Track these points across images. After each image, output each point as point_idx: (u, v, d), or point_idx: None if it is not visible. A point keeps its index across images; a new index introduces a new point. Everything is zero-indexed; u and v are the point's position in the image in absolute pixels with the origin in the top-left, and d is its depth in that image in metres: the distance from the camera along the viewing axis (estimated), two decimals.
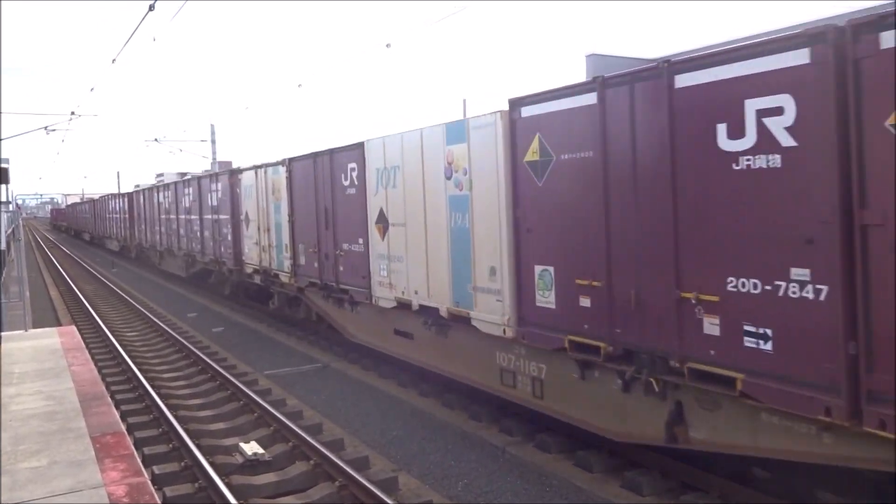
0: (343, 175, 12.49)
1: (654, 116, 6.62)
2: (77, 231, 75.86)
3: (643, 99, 6.74)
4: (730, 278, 6.00)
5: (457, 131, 9.30)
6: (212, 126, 37.17)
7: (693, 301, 6.27)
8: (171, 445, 9.28)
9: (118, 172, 68.14)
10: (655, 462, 7.89)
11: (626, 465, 8.13)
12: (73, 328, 13.67)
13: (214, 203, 20.53)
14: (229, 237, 19.24)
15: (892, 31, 4.83)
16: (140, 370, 13.15)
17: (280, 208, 15.62)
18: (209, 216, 21.39)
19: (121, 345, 15.64)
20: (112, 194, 48.36)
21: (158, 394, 11.45)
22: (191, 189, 23.62)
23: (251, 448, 8.85)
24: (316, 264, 13.89)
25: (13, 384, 8.96)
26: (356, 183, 11.97)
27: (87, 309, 21.72)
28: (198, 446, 8.90)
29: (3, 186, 18.04)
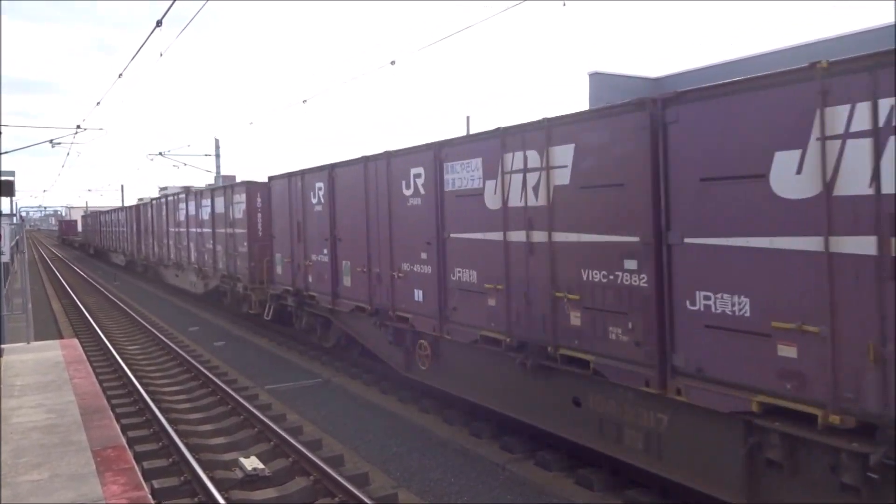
0: None
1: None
2: (100, 249, 56.88)
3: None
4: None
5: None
6: (216, 140, 37.12)
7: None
8: (171, 460, 9.27)
9: (122, 185, 67.68)
10: (657, 481, 7.87)
11: (627, 484, 8.11)
12: (76, 341, 13.71)
13: None
14: None
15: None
16: (141, 383, 13.16)
17: None
18: None
19: (122, 358, 15.65)
20: (186, 189, 27.31)
21: (159, 408, 11.46)
22: None
23: (251, 463, 8.84)
24: None
25: (15, 396, 8.98)
26: None
27: (89, 321, 21.76)
28: (198, 461, 8.90)
29: (7, 199, 18.17)
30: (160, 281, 32.47)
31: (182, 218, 26.09)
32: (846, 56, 5.20)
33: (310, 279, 14.61)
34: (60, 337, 19.04)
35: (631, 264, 7.00)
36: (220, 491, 7.95)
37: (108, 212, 51.90)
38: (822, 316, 5.36)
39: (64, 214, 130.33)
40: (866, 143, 5.04)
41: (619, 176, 7.15)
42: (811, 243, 5.41)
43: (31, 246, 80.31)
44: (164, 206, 29.49)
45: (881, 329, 5.01)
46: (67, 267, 52.31)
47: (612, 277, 7.22)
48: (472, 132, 10.19)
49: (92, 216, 64.49)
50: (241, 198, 19.50)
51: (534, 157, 8.25)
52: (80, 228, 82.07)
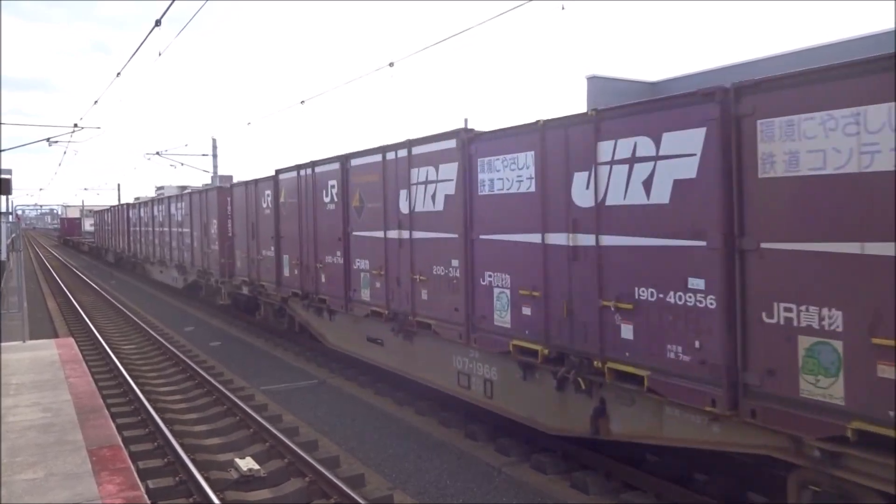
0: None
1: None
2: (128, 258, 40.05)
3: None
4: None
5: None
6: (213, 140, 36.96)
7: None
8: (166, 460, 9.25)
9: (119, 184, 67.19)
10: (652, 485, 7.89)
11: (623, 488, 8.13)
12: (71, 340, 13.68)
13: None
14: None
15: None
16: (136, 383, 13.13)
17: None
18: None
19: (118, 357, 15.62)
20: (408, 142, 10.75)
21: (155, 408, 11.44)
22: None
23: (246, 464, 8.83)
24: None
25: (10, 395, 8.96)
26: None
27: (84, 320, 21.71)
28: (193, 461, 8.89)
29: (4, 197, 18.13)
30: (310, 338, 15.86)
31: (420, 204, 10.58)
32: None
33: None
34: (56, 336, 19.00)
35: None
36: (215, 491, 7.94)
37: (145, 203, 34.44)
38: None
39: (60, 213, 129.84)
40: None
41: None
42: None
43: (26, 247, 79.69)
44: (310, 187, 14.18)
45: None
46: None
47: None
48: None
49: (112, 211, 47.11)
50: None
51: None
52: (87, 228, 68.96)
